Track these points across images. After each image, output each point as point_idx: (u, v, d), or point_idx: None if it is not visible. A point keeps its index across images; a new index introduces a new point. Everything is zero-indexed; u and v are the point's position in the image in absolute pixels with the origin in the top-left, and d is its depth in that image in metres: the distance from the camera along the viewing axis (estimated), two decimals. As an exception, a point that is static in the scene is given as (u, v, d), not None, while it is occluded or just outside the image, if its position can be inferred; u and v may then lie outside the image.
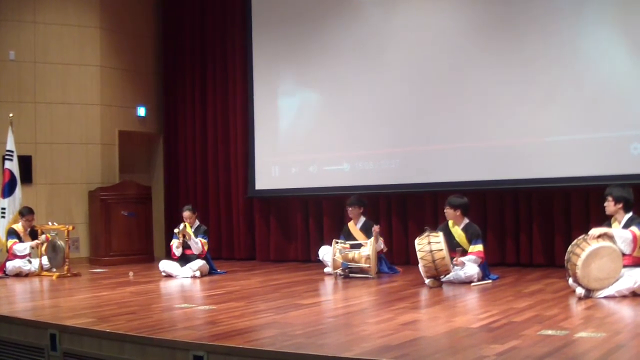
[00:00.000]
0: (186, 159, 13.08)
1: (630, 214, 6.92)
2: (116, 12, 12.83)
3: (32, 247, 10.28)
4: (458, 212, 8.32)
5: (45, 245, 10.22)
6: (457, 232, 8.30)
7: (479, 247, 8.16)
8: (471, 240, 8.21)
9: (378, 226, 9.26)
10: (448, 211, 8.36)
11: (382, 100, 10.63)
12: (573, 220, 9.39)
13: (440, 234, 7.93)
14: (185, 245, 9.69)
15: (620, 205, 6.94)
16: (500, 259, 9.85)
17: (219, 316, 6.07)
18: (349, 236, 9.50)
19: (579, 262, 6.50)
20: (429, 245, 7.73)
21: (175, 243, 9.72)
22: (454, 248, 8.11)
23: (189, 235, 9.63)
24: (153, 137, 13.56)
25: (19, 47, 12.02)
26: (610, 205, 7.01)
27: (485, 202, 10.05)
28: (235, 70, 12.43)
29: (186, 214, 9.89)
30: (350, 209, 9.69)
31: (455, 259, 7.96)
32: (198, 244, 9.65)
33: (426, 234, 7.89)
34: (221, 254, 12.21)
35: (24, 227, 10.45)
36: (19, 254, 10.21)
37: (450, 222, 8.40)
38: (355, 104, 10.90)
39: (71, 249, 10.71)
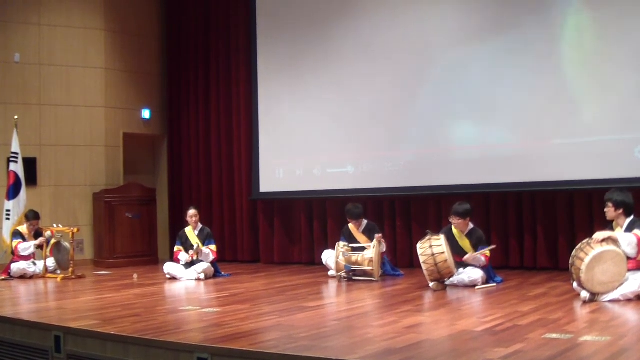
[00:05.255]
0: (190, 161, 13.09)
1: (632, 217, 6.89)
2: (120, 14, 12.85)
3: (36, 246, 10.30)
4: (467, 220, 8.32)
5: (51, 244, 10.24)
6: (461, 238, 8.28)
7: (486, 253, 8.16)
8: (477, 246, 8.20)
9: (380, 234, 9.22)
10: (458, 222, 8.26)
11: (386, 102, 10.62)
12: (577, 223, 9.37)
13: (442, 236, 7.91)
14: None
15: (620, 211, 6.91)
16: (504, 262, 9.82)
17: (223, 319, 6.08)
18: (351, 237, 9.47)
19: (583, 266, 6.49)
20: (430, 248, 7.71)
21: (184, 256, 9.69)
22: (458, 253, 8.11)
23: (201, 252, 9.64)
24: (157, 139, 13.58)
25: (23, 49, 12.05)
26: (610, 211, 6.98)
27: (489, 205, 10.04)
28: (239, 72, 12.44)
29: (192, 211, 9.88)
30: (352, 221, 9.57)
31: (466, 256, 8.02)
32: (210, 254, 9.67)
33: (427, 237, 7.88)
34: (225, 256, 12.18)
35: (29, 230, 10.47)
36: (23, 253, 10.23)
37: (454, 229, 8.38)
38: (359, 106, 10.89)
39: (75, 251, 10.72)
